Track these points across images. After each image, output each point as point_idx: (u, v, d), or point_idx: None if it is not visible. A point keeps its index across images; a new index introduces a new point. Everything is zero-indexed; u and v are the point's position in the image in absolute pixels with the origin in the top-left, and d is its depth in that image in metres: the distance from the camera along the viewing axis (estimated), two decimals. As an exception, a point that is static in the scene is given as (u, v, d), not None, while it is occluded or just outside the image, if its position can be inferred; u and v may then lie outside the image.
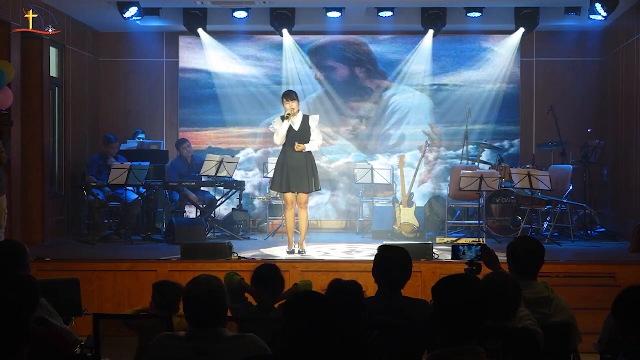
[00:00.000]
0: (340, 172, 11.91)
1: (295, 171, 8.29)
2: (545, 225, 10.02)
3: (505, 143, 11.82)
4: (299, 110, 8.37)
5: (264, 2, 10.40)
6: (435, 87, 11.84)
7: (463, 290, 2.77)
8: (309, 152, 8.36)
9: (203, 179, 10.38)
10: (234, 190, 10.39)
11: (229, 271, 5.00)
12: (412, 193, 10.22)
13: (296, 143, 8.25)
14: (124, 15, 10.32)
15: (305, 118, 8.39)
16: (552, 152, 11.02)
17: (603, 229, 10.44)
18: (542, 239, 8.92)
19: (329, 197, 11.88)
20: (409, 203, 9.99)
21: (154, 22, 11.08)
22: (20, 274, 4.14)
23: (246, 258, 7.89)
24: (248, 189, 11.52)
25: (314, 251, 8.66)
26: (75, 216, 10.82)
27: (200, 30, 11.24)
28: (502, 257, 4.44)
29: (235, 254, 7.87)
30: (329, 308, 2.88)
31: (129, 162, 9.73)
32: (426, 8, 10.82)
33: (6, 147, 7.99)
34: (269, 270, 4.62)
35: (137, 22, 10.77)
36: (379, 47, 11.91)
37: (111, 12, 10.43)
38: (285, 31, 11.20)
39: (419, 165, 10.68)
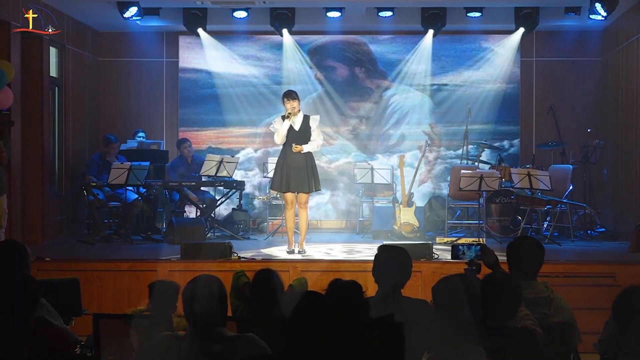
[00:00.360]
0: (340, 172, 11.91)
1: (296, 171, 8.28)
2: (545, 225, 10.02)
3: (505, 143, 11.82)
4: (299, 110, 8.37)
5: (264, 2, 10.40)
6: (435, 87, 11.85)
7: (462, 290, 2.77)
8: (309, 152, 8.35)
9: (203, 179, 10.38)
10: (234, 190, 10.39)
11: (240, 270, 5.04)
12: (412, 193, 10.21)
13: (293, 145, 8.24)
14: (124, 15, 10.33)
15: (306, 118, 8.38)
16: (552, 152, 11.01)
17: (603, 229, 10.44)
18: (542, 239, 8.92)
19: (329, 197, 11.88)
20: (409, 203, 9.98)
21: (154, 22, 11.08)
22: (20, 274, 4.14)
23: (246, 258, 7.89)
24: (248, 189, 11.52)
25: (314, 251, 8.65)
26: (75, 216, 10.81)
27: (200, 30, 11.25)
28: (502, 257, 4.44)
29: (235, 254, 7.87)
30: (329, 308, 2.88)
31: (129, 162, 9.74)
32: (426, 8, 10.83)
33: (6, 147, 7.99)
34: (266, 279, 4.59)
35: (137, 22, 10.77)
36: (379, 47, 11.92)
37: (111, 12, 10.43)
38: (285, 31, 11.21)
39: (419, 165, 10.68)
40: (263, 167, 11.19)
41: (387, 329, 3.68)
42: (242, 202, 10.67)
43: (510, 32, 11.29)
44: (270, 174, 9.33)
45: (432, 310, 2.80)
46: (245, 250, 8.55)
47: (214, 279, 3.45)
